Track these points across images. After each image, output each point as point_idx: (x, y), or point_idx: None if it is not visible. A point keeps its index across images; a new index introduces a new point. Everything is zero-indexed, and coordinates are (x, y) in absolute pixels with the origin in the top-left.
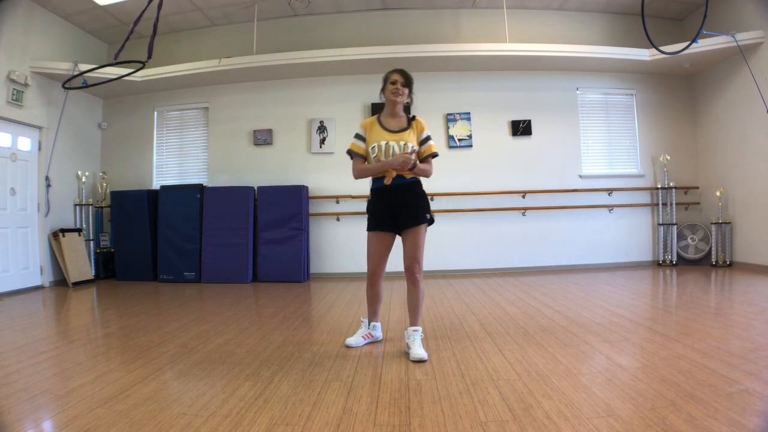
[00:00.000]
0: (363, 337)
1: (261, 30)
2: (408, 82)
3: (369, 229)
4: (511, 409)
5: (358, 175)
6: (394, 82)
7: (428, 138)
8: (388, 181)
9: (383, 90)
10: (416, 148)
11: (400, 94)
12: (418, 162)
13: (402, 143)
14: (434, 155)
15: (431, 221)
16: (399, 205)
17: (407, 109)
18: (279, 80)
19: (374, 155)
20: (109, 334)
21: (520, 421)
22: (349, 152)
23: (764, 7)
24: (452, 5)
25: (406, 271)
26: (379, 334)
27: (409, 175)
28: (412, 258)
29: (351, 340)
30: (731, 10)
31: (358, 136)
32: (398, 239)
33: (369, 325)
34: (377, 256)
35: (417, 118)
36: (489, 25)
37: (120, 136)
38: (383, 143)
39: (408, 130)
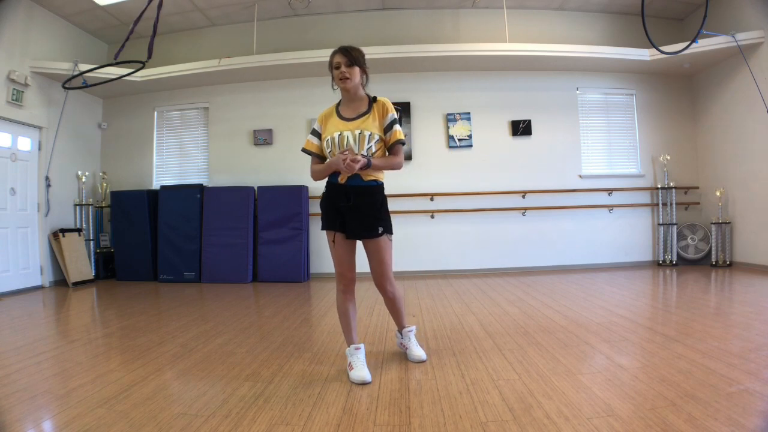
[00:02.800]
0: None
1: (261, 30)
2: (354, 59)
3: (322, 227)
4: (511, 409)
5: (315, 177)
6: (337, 67)
7: (393, 122)
8: (342, 178)
9: (333, 79)
10: (374, 135)
11: (347, 77)
12: (371, 159)
13: (357, 132)
14: (400, 142)
15: (385, 233)
16: (350, 210)
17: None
18: (279, 80)
19: (329, 150)
20: (109, 334)
21: (520, 421)
22: (304, 150)
23: (764, 7)
24: (452, 5)
25: (375, 284)
26: (363, 367)
27: (368, 177)
28: (378, 274)
29: (357, 375)
30: (731, 10)
31: (313, 132)
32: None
33: (351, 350)
34: (341, 255)
35: (379, 98)
36: (489, 25)
37: (120, 136)
38: (336, 135)
39: (367, 115)
